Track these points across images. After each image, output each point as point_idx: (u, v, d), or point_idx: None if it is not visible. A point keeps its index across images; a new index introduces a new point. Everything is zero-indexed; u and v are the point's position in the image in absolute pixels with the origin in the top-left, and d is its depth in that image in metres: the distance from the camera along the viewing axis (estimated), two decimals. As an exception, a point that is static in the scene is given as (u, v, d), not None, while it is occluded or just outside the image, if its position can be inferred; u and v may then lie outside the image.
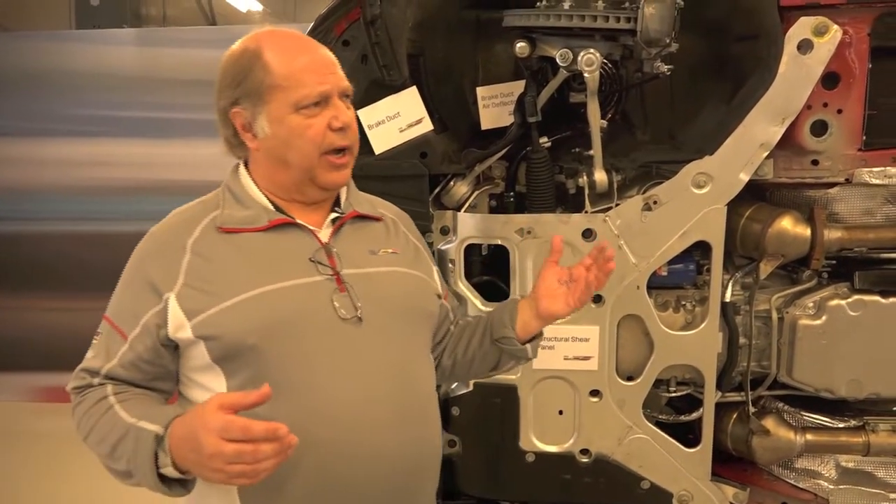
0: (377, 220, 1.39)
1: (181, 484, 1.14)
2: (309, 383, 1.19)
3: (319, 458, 1.17)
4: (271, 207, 1.28)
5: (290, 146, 1.23)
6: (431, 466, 1.34)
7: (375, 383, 1.23)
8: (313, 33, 1.85)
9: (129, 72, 4.77)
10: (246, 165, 1.33)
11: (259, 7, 7.78)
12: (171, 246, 1.24)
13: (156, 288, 1.21)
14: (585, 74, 1.74)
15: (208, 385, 1.22)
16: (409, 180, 1.89)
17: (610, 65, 1.95)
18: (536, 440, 2.03)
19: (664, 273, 1.96)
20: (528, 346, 1.44)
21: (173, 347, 1.23)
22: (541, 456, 2.03)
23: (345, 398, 1.20)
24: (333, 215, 1.32)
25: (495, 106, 2.05)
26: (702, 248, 1.94)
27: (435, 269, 1.48)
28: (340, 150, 1.26)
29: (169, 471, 1.11)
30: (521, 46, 1.83)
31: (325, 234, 1.29)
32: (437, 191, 2.01)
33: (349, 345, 1.22)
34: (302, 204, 1.30)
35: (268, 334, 1.18)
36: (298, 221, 1.28)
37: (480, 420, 2.03)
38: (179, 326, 1.19)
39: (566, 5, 1.73)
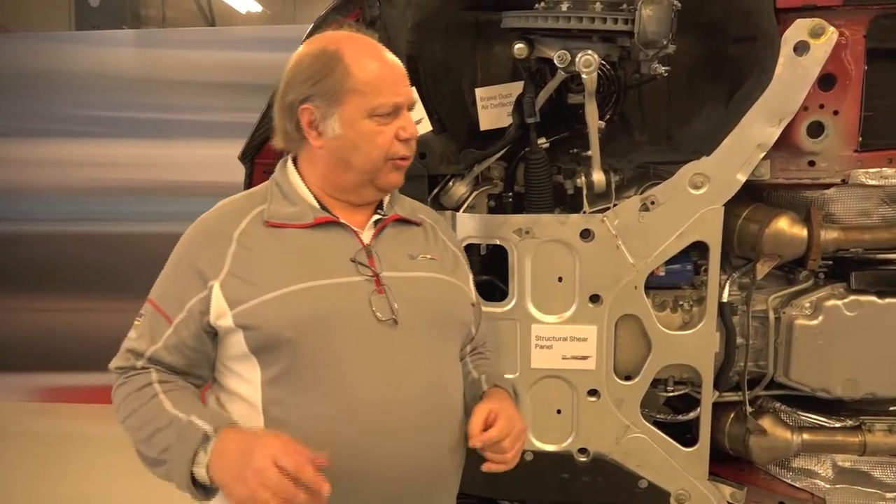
0: (417, 224, 1.42)
1: (204, 490, 1.17)
2: (340, 381, 1.21)
3: (344, 455, 1.19)
4: (317, 205, 1.31)
5: (357, 149, 1.28)
6: (453, 474, 1.36)
7: (405, 386, 1.25)
8: (312, 34, 1.86)
9: (128, 73, 4.78)
10: (294, 161, 1.35)
11: (259, 8, 7.80)
12: (218, 235, 1.27)
13: (202, 275, 1.24)
14: (583, 76, 1.74)
15: (244, 374, 1.25)
16: (408, 181, 1.84)
17: (608, 66, 1.96)
18: (535, 439, 2.04)
19: (662, 273, 1.97)
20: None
21: (213, 334, 1.26)
22: (539, 455, 2.04)
23: (373, 399, 1.22)
24: (376, 217, 1.35)
25: (494, 107, 2.06)
26: (699, 249, 1.95)
27: (470, 276, 1.49)
28: (403, 158, 1.31)
29: (201, 471, 1.14)
30: (519, 48, 1.84)
31: (366, 235, 1.32)
32: (435, 191, 2.02)
33: (383, 346, 1.25)
34: (348, 204, 1.33)
35: (305, 329, 1.20)
36: (342, 221, 1.31)
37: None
38: (221, 314, 1.22)
39: (564, 7, 1.74)
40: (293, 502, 1.05)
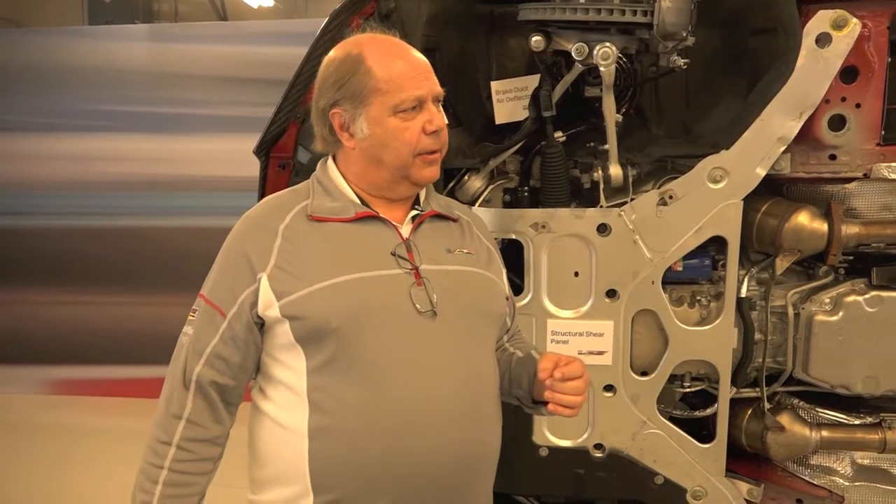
0: (453, 220, 1.45)
1: None
2: (383, 370, 1.25)
3: (384, 443, 1.24)
4: (357, 201, 1.35)
5: (386, 146, 1.30)
6: (488, 465, 1.39)
7: (445, 376, 1.29)
8: (327, 28, 1.85)
9: (140, 67, 4.80)
10: (334, 160, 1.40)
11: (270, 3, 7.80)
12: (265, 229, 1.31)
13: (252, 267, 1.28)
14: (601, 68, 1.73)
15: (289, 363, 1.29)
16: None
17: (625, 59, 1.94)
18: (550, 435, 2.03)
19: (679, 268, 1.95)
20: (543, 407, 1.41)
21: (261, 325, 1.30)
22: (554, 450, 2.03)
23: (414, 386, 1.26)
24: (414, 212, 1.38)
25: (510, 100, 2.05)
26: (717, 243, 1.93)
27: (504, 271, 1.52)
28: (432, 151, 1.33)
29: None
30: (536, 40, 1.82)
31: (405, 230, 1.36)
32: (451, 185, 2.01)
33: (423, 336, 1.29)
34: (386, 200, 1.37)
35: (350, 319, 1.24)
36: (382, 216, 1.34)
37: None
38: (268, 305, 1.26)
39: (582, -1, 1.72)
40: None
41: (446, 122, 1.36)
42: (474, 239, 1.46)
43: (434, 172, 1.35)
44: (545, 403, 1.36)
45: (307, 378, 1.26)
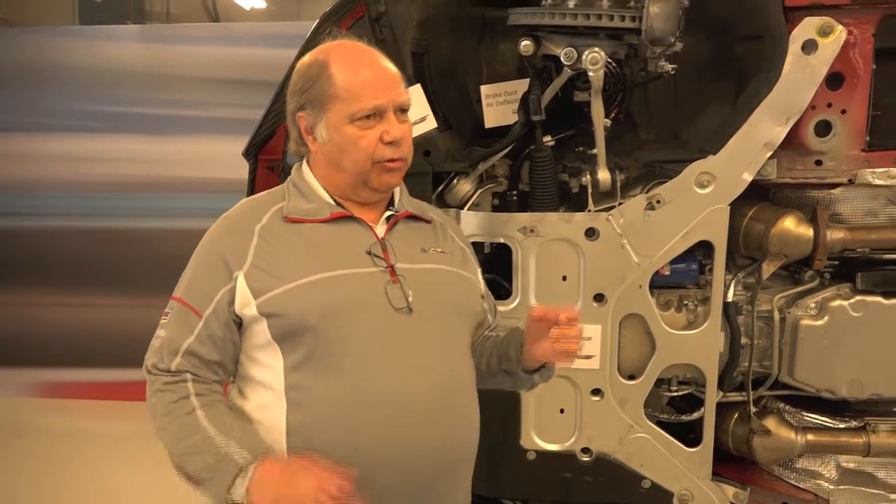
0: (427, 221, 1.48)
1: None
2: (360, 366, 1.27)
3: (362, 438, 1.25)
4: (332, 202, 1.37)
5: (344, 153, 1.33)
6: (466, 459, 1.41)
7: (421, 372, 1.31)
8: (318, 31, 1.86)
9: (132, 68, 4.77)
10: (308, 163, 1.42)
11: (263, 4, 7.79)
12: (241, 229, 1.33)
13: (228, 266, 1.29)
14: (590, 73, 1.74)
15: (266, 362, 1.30)
16: (413, 178, 1.87)
17: (614, 64, 1.95)
18: (538, 438, 2.03)
19: (667, 272, 1.96)
20: (535, 375, 1.46)
21: (238, 324, 1.31)
22: (542, 454, 2.03)
23: (390, 381, 1.28)
24: (388, 213, 1.41)
25: (499, 104, 2.05)
26: (704, 248, 1.94)
27: (479, 270, 1.54)
28: (391, 160, 1.34)
29: (238, 494, 1.19)
30: (525, 45, 1.83)
31: (380, 230, 1.38)
32: (440, 189, 2.01)
33: (400, 333, 1.31)
34: (358, 203, 1.39)
35: (327, 316, 1.26)
36: (357, 216, 1.37)
37: (481, 418, 2.02)
38: (245, 304, 1.28)
39: (571, 4, 1.73)
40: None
41: (418, 131, 1.39)
42: (448, 239, 1.48)
43: (393, 178, 1.37)
44: (536, 371, 1.41)
45: (284, 376, 1.28)
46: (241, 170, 2.13)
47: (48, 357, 4.74)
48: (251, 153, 2.05)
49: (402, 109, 1.35)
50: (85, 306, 4.79)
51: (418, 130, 1.91)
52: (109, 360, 4.67)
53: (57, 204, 4.85)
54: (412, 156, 1.39)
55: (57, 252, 4.77)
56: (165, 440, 1.28)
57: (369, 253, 1.33)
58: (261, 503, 1.18)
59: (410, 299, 1.31)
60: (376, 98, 1.31)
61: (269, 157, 2.04)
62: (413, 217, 1.44)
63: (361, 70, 1.32)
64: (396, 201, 1.44)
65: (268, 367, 1.30)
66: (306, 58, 1.38)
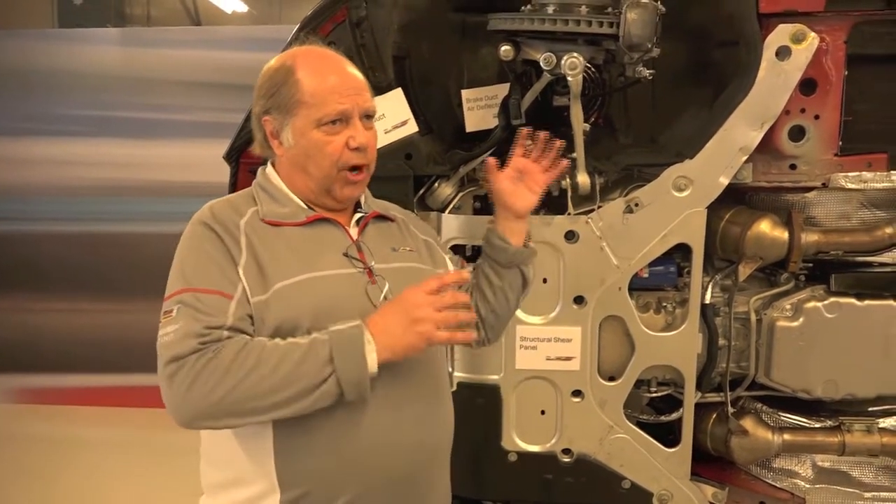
0: (391, 220, 1.50)
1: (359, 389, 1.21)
2: None
3: (350, 435, 1.27)
4: (304, 206, 1.38)
5: (310, 158, 1.34)
6: (443, 454, 1.45)
7: (401, 374, 1.31)
8: (299, 34, 1.86)
9: (112, 72, 4.73)
10: (274, 167, 1.42)
11: (244, 8, 7.75)
12: (229, 222, 1.31)
13: (232, 256, 1.27)
14: (569, 78, 1.76)
15: None
16: (394, 182, 1.90)
17: (593, 69, 1.98)
18: (518, 440, 2.04)
19: (645, 275, 1.99)
20: (514, 255, 1.54)
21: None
22: (523, 455, 2.04)
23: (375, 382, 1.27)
24: (358, 215, 1.43)
25: (480, 108, 2.07)
26: (682, 251, 1.97)
27: (447, 257, 1.58)
28: (356, 168, 1.35)
29: (374, 358, 1.21)
30: (505, 50, 1.85)
31: (353, 231, 1.40)
32: (421, 192, 2.02)
33: None
34: (324, 207, 1.40)
35: (317, 318, 1.26)
36: (332, 218, 1.38)
37: (463, 420, 2.02)
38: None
39: (550, 10, 1.75)
40: (458, 318, 1.22)
41: (400, 135, 1.41)
42: (412, 236, 1.51)
43: (356, 191, 1.39)
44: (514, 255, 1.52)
45: None
46: (224, 173, 2.13)
47: (34, 363, 4.69)
48: (232, 156, 2.05)
49: (368, 116, 1.36)
50: (68, 311, 4.74)
51: (399, 134, 1.92)
52: (96, 366, 4.63)
53: (38, 208, 4.79)
54: (375, 164, 1.40)
55: (42, 257, 4.72)
56: (250, 390, 1.16)
57: (346, 255, 1.35)
58: (391, 344, 1.21)
59: (388, 298, 1.33)
60: (342, 103, 1.32)
61: (250, 161, 2.04)
62: (380, 217, 1.47)
63: (328, 76, 1.33)
64: (363, 203, 1.46)
65: None
66: (273, 62, 1.37)
